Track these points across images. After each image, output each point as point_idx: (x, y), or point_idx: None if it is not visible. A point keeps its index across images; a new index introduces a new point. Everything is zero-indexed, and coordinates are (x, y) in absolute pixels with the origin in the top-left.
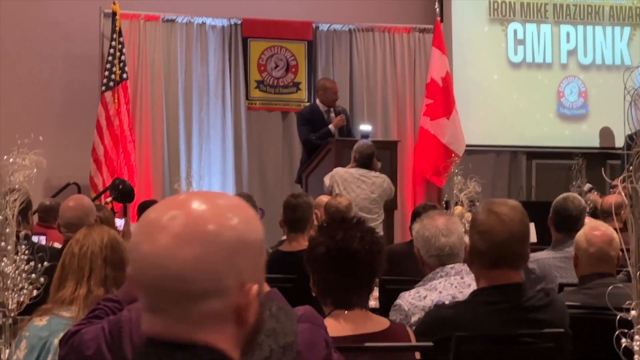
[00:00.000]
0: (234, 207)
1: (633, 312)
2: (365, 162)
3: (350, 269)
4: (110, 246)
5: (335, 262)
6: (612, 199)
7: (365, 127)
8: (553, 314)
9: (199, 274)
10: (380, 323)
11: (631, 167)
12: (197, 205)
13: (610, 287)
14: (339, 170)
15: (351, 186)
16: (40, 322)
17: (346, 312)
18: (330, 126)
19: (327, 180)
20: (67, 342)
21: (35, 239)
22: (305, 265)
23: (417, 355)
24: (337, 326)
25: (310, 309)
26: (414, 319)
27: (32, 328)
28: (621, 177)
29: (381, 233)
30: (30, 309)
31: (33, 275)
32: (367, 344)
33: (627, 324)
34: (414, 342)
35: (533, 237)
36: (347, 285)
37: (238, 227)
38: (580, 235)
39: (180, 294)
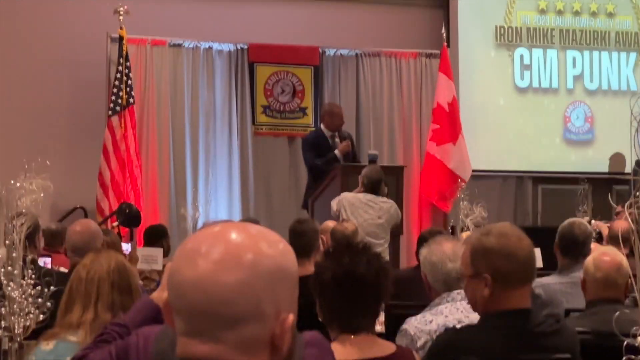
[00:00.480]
0: (270, 239)
1: None
2: (373, 187)
3: (357, 294)
4: (117, 271)
5: (342, 286)
6: (620, 225)
7: (373, 152)
8: (564, 340)
9: (239, 298)
10: (387, 347)
11: (638, 193)
12: (234, 235)
13: (617, 313)
14: (346, 195)
15: (358, 211)
16: (47, 346)
17: (352, 336)
18: (336, 151)
19: (334, 204)
20: None
21: (41, 262)
22: (312, 290)
23: None
24: (343, 351)
25: (317, 334)
26: (419, 343)
27: (38, 352)
28: (627, 203)
29: (387, 258)
30: (36, 334)
31: (40, 300)
32: None
33: (634, 350)
34: None
35: (539, 262)
36: (354, 310)
37: (276, 257)
38: (589, 260)
39: (220, 317)
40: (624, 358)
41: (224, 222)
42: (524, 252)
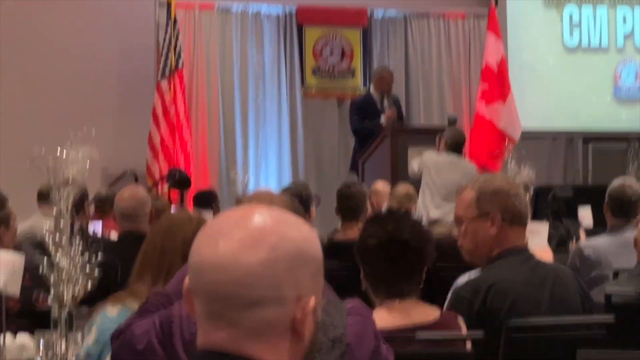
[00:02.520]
0: (294, 223)
1: None
2: (456, 148)
3: (402, 259)
4: (191, 242)
5: (387, 252)
6: None
7: (452, 114)
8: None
9: (260, 279)
10: (431, 313)
11: None
12: (257, 218)
13: None
14: (430, 154)
15: (443, 171)
16: (111, 312)
17: (397, 302)
18: (382, 119)
19: (415, 165)
20: (118, 337)
21: (91, 227)
22: (356, 258)
23: (468, 344)
24: (388, 316)
25: (359, 302)
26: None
27: (103, 316)
28: None
29: None
30: (84, 302)
31: (88, 268)
32: (417, 335)
33: None
34: (464, 332)
35: (589, 221)
36: (398, 275)
37: (298, 240)
38: None
39: (239, 299)
40: None
41: (248, 206)
42: (524, 196)
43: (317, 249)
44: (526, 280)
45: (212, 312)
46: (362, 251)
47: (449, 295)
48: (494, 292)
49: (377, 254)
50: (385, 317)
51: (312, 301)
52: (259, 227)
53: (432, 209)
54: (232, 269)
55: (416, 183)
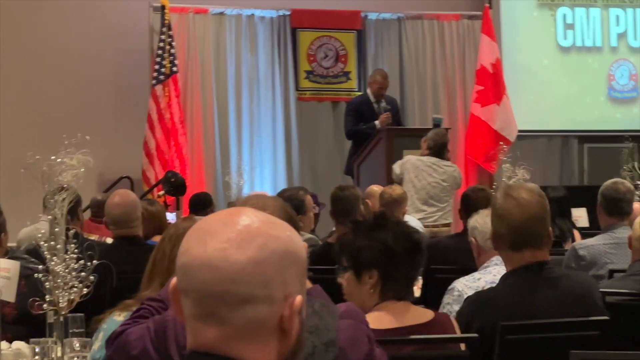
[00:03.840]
0: (279, 225)
1: None
2: (438, 150)
3: (417, 261)
4: None
5: (410, 255)
6: None
7: (437, 116)
8: (576, 283)
9: (250, 277)
10: (425, 315)
11: None
12: (244, 219)
13: None
14: (410, 157)
15: (423, 174)
16: (118, 317)
17: (396, 303)
18: (377, 122)
19: (397, 168)
20: (112, 342)
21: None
22: (367, 260)
23: (463, 346)
24: (381, 319)
25: (352, 305)
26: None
27: (110, 322)
28: None
29: (450, 221)
30: (80, 307)
31: (83, 274)
32: (412, 336)
33: None
34: (459, 333)
35: (585, 222)
36: (411, 277)
37: (285, 240)
38: (637, 220)
39: (228, 297)
40: None
41: (235, 207)
42: (519, 220)
43: (302, 251)
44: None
45: (202, 311)
46: (386, 253)
47: (450, 295)
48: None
49: (403, 257)
50: (378, 319)
51: (298, 299)
52: (247, 227)
53: (412, 213)
54: (222, 266)
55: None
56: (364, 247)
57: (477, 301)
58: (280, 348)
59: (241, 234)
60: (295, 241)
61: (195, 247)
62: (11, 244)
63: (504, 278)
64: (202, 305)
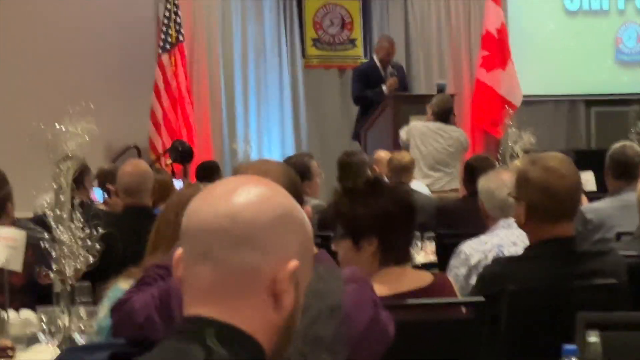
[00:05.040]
0: (286, 194)
1: None
2: (443, 115)
3: (413, 225)
4: None
5: (407, 219)
6: None
7: (441, 81)
8: (608, 264)
9: (248, 218)
10: (424, 278)
11: None
12: (251, 184)
13: None
14: (416, 123)
15: (429, 139)
16: (123, 285)
17: (396, 268)
18: (384, 87)
19: (403, 134)
20: (118, 310)
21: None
22: (365, 226)
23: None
24: (382, 285)
25: (357, 269)
26: (473, 261)
27: (115, 289)
28: None
29: (458, 185)
30: (86, 276)
31: (89, 243)
32: (409, 302)
33: None
34: (458, 297)
35: (592, 186)
36: (408, 241)
37: (290, 206)
38: None
39: (225, 233)
40: None
41: (240, 177)
42: (563, 190)
43: (307, 222)
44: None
45: (197, 251)
46: (385, 220)
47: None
48: None
49: (401, 222)
50: (384, 284)
51: (294, 263)
52: (254, 191)
53: (419, 178)
54: (224, 205)
55: None
56: (362, 214)
57: (494, 274)
58: (273, 319)
59: (243, 190)
60: (300, 212)
61: (200, 209)
62: (27, 214)
63: (529, 248)
64: (198, 244)
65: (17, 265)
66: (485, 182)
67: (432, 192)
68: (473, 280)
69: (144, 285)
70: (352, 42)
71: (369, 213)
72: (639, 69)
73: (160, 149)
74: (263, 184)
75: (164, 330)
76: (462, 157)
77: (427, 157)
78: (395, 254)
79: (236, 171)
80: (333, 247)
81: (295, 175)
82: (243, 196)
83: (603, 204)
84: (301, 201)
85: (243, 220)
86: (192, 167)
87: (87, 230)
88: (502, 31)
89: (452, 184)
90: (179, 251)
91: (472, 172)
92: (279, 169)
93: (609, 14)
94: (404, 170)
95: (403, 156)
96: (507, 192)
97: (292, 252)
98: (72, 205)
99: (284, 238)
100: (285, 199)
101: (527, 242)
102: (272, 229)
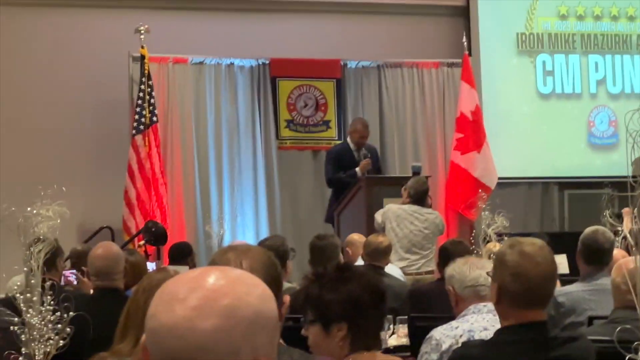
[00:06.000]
0: (250, 283)
1: None
2: (419, 198)
3: (383, 310)
4: None
5: (379, 304)
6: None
7: (416, 164)
8: (577, 350)
9: (217, 345)
10: None
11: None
12: (212, 280)
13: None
14: (391, 206)
15: (404, 222)
16: None
17: (366, 354)
18: (357, 169)
19: (379, 217)
20: None
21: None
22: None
23: None
24: None
25: (329, 358)
26: (444, 346)
27: None
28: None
29: (434, 268)
30: (58, 358)
31: (59, 326)
32: None
33: None
34: None
35: (565, 269)
36: (379, 326)
37: (255, 302)
38: (616, 267)
39: (187, 344)
40: None
41: (205, 267)
42: (536, 278)
43: (273, 309)
44: None
45: (161, 355)
46: (355, 306)
47: (428, 344)
48: None
49: (371, 308)
50: None
51: None
52: (214, 290)
53: (395, 261)
54: (189, 334)
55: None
56: (332, 300)
57: (465, 357)
58: None
59: (207, 300)
60: (265, 299)
61: (163, 312)
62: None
63: (499, 332)
64: (159, 347)
65: None
66: (453, 265)
67: (409, 274)
68: None
69: None
70: (326, 123)
71: (338, 299)
72: (611, 153)
73: (133, 230)
74: (228, 287)
75: None
76: (437, 240)
77: (403, 240)
78: (365, 339)
79: (213, 261)
80: (303, 331)
81: (275, 259)
82: (209, 317)
83: (575, 288)
84: (280, 286)
85: (214, 349)
86: (166, 249)
87: (58, 313)
88: (477, 113)
89: (428, 265)
90: (144, 339)
91: (446, 255)
92: (259, 254)
93: (581, 97)
94: (382, 254)
95: (381, 240)
96: (477, 270)
97: (263, 351)
98: (43, 287)
99: (256, 342)
100: (252, 294)
101: (498, 327)
102: (243, 341)
